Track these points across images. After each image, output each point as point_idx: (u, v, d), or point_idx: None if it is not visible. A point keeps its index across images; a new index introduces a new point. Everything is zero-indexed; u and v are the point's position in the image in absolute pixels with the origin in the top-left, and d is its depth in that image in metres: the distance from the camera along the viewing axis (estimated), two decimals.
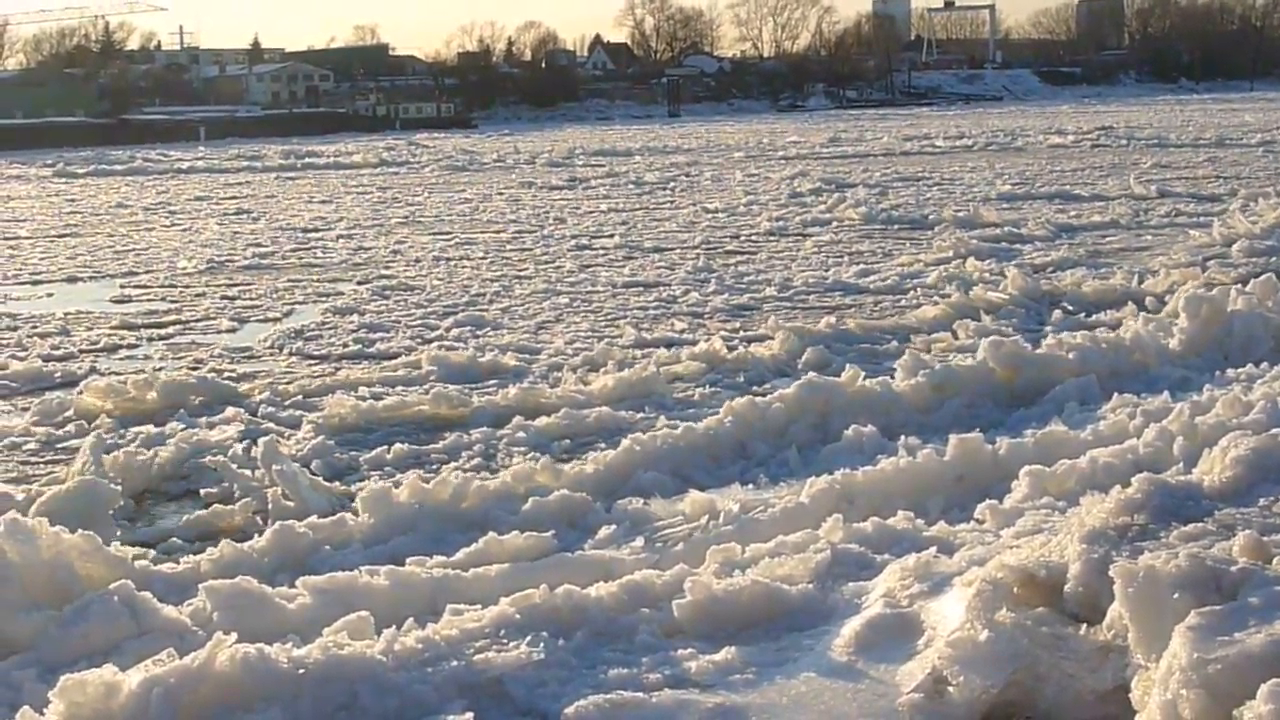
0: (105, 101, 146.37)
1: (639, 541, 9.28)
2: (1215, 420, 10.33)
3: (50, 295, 25.85)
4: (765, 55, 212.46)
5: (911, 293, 21.93)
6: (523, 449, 12.83)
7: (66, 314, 22.76)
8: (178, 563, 9.36)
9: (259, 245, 32.95)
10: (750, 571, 7.94)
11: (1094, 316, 18.80)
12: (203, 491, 11.91)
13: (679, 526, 9.52)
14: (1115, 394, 12.94)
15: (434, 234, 34.78)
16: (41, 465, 13.02)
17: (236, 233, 36.84)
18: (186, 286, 26.13)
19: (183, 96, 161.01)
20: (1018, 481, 9.67)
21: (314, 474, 11.87)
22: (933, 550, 7.90)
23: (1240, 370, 13.83)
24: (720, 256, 28.05)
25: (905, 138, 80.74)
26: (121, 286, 26.51)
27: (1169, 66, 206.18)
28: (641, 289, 23.78)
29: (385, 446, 13.08)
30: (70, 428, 14.26)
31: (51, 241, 36.00)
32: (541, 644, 6.92)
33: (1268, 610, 5.96)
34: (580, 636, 7.13)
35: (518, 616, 7.23)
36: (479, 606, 7.50)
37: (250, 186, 57.40)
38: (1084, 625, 6.62)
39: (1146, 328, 15.50)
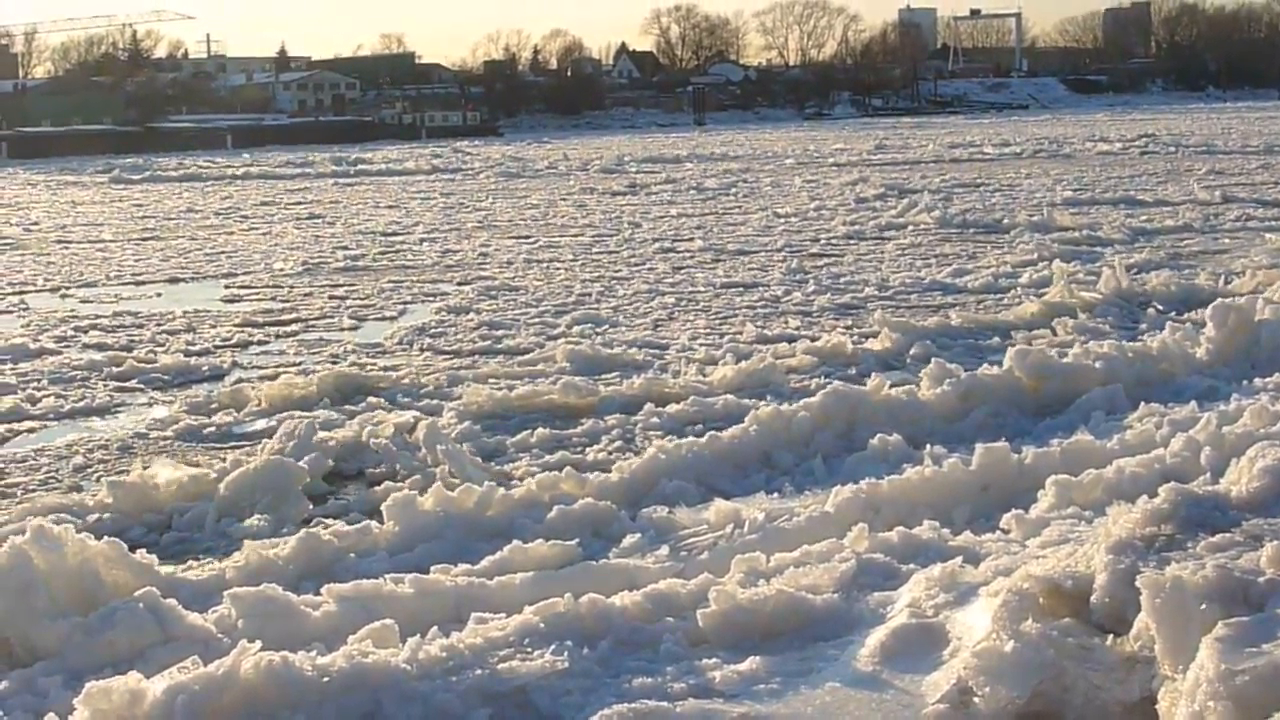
0: (132, 109, 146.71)
1: (664, 550, 9.27)
2: (1243, 430, 10.28)
3: (159, 295, 26.60)
4: (791, 64, 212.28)
5: (1011, 292, 22.67)
6: (658, 432, 13.46)
7: (185, 312, 23.61)
8: (203, 569, 9.39)
9: (346, 248, 33.65)
10: (775, 581, 7.91)
11: (1185, 316, 19.10)
12: (368, 471, 12.76)
13: (704, 535, 9.51)
14: (1142, 403, 12.89)
15: (514, 238, 35.24)
16: (219, 450, 13.78)
17: (318, 236, 37.49)
18: (291, 287, 26.75)
19: (209, 104, 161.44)
20: (1044, 491, 9.64)
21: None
22: (958, 560, 7.88)
23: (1268, 380, 13.76)
24: (807, 259, 28.44)
25: (951, 145, 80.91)
26: (226, 287, 27.24)
27: (1196, 75, 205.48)
28: (742, 289, 24.29)
29: (528, 431, 13.84)
30: (228, 416, 15.18)
31: (137, 244, 36.79)
32: (566, 653, 6.91)
33: None
34: (604, 645, 7.12)
35: (542, 625, 7.23)
36: (503, 615, 7.50)
37: (311, 192, 58.15)
38: (1110, 636, 6.59)
39: (1173, 337, 15.43)
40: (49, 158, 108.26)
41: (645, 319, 21.35)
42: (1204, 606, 6.15)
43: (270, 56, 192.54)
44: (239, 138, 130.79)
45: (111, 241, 37.76)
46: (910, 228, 33.68)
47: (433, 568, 8.87)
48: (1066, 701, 6.23)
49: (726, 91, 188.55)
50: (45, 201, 57.15)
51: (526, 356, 18.21)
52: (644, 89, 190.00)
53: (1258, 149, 63.68)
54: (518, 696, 6.66)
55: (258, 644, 6.81)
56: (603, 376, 16.37)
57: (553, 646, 6.98)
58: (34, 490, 12.42)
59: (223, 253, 33.80)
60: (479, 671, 6.77)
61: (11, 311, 24.49)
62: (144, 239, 38.32)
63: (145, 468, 12.33)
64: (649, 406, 14.36)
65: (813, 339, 18.38)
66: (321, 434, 13.27)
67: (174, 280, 28.76)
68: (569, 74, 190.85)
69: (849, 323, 20.35)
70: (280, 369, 17.84)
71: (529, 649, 7.00)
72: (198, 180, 70.34)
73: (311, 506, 11.49)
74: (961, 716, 6.20)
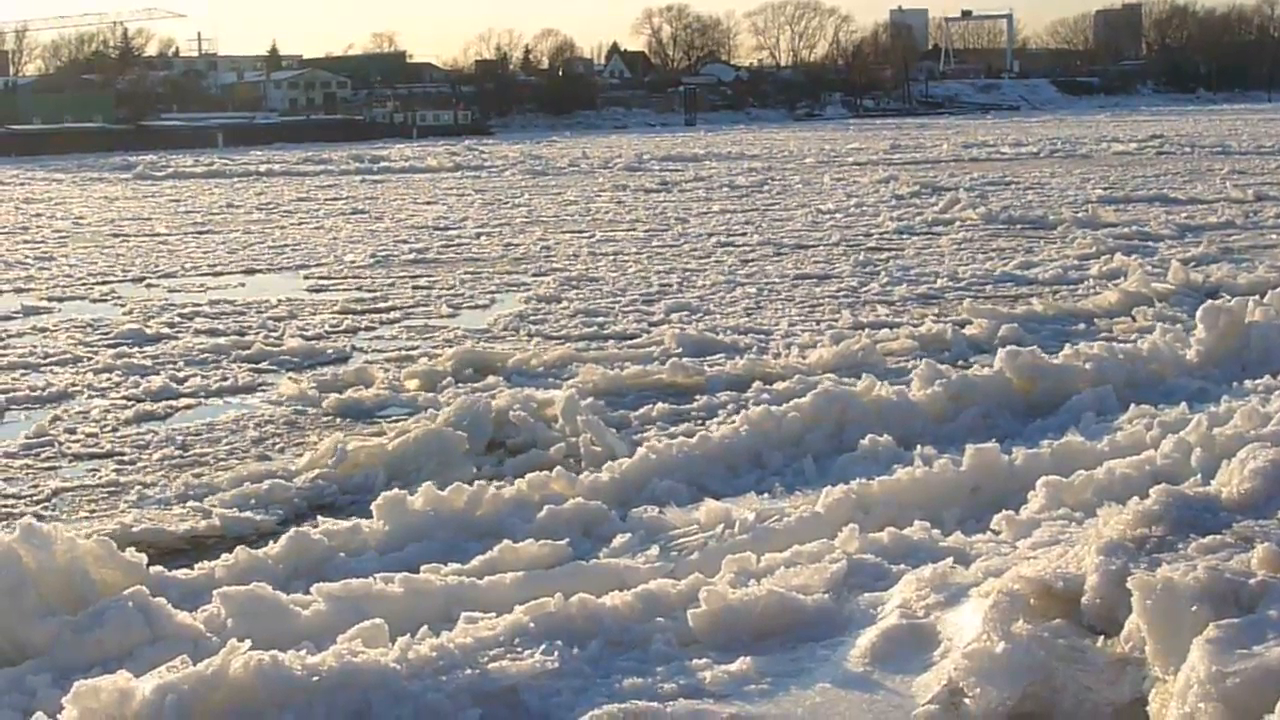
0: (123, 108, 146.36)
1: (654, 550, 9.26)
2: (1233, 431, 10.29)
3: (243, 285, 27.00)
4: (782, 64, 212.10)
5: (1084, 283, 23.26)
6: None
7: (279, 301, 24.15)
8: (192, 568, 9.37)
9: (406, 242, 34.07)
10: (765, 581, 7.91)
11: None
12: (509, 442, 13.34)
13: (694, 535, 9.50)
14: (1132, 405, 12.90)
15: (569, 232, 35.58)
16: (378, 422, 14.68)
17: (372, 230, 37.91)
18: (370, 279, 27.12)
19: (200, 103, 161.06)
20: (1034, 492, 9.63)
21: None
22: (949, 561, 7.87)
23: (1258, 381, 13.79)
24: (868, 252, 28.78)
25: (965, 145, 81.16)
26: (305, 278, 27.68)
27: (1186, 77, 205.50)
28: (816, 280, 24.77)
29: (648, 406, 14.56)
30: (368, 392, 15.88)
31: (195, 238, 37.17)
32: (556, 653, 6.90)
33: None
34: (595, 645, 7.12)
35: (532, 625, 7.22)
36: (493, 615, 7.48)
37: (343, 188, 58.44)
38: (1101, 637, 6.59)
39: (1164, 338, 15.44)
40: (41, 155, 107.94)
41: (735, 307, 21.93)
42: (1195, 608, 6.14)
43: (262, 55, 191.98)
44: (230, 136, 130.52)
45: (168, 235, 38.20)
46: (958, 224, 34.08)
47: (423, 567, 8.87)
48: (1057, 703, 6.23)
49: (718, 92, 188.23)
50: (79, 197, 57.35)
51: (635, 340, 19.12)
52: (635, 89, 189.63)
53: (1272, 150, 64.02)
54: (508, 696, 6.65)
55: (247, 643, 6.78)
56: (707, 358, 17.04)
57: (543, 646, 6.97)
58: (224, 460, 13.07)
59: (285, 245, 34.26)
60: (469, 671, 6.76)
61: (106, 300, 25.16)
62: (199, 233, 38.73)
63: (322, 438, 13.05)
64: (757, 384, 14.98)
65: (914, 324, 19.27)
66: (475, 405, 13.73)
67: (250, 271, 29.22)
68: (560, 74, 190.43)
69: (935, 310, 20.86)
70: (403, 351, 18.85)
71: (519, 649, 6.99)
72: (223, 177, 70.45)
73: (476, 471, 12.00)
74: (952, 717, 6.19)
